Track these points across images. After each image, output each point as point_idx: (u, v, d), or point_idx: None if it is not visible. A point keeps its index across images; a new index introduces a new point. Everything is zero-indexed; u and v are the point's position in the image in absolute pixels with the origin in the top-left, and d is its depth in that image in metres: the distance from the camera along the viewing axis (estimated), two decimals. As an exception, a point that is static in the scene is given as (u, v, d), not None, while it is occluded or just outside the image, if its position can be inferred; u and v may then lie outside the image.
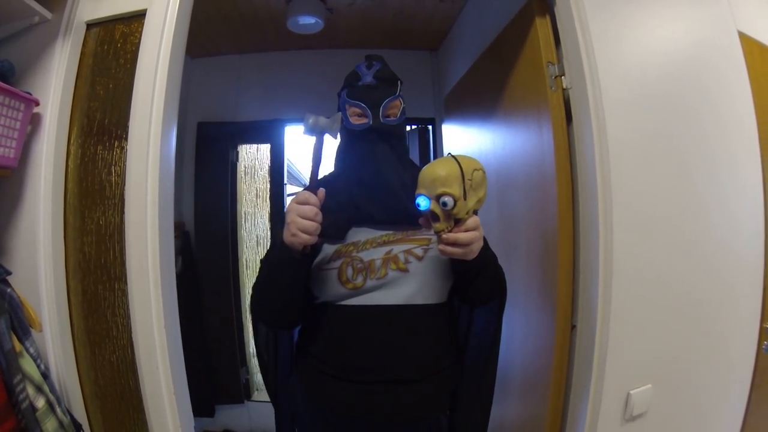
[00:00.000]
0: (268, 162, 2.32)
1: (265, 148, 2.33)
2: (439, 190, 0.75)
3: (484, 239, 0.91)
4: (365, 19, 2.04)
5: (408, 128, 2.41)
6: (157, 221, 0.87)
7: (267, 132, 2.29)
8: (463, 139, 1.86)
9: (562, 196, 1.05)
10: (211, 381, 2.15)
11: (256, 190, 2.35)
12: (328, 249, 0.93)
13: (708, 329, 1.26)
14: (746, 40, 1.43)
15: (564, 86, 1.10)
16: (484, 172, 0.82)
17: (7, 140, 0.92)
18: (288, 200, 2.31)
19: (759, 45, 1.49)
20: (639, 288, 1.08)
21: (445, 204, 0.75)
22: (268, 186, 2.34)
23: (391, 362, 0.91)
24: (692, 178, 1.19)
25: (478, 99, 1.62)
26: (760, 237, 1.38)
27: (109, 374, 1.02)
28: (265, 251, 1.03)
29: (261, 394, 2.33)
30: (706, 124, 1.25)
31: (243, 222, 2.35)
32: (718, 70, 1.32)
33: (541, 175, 1.13)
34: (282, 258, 0.85)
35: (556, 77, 1.11)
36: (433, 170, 0.78)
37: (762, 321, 1.44)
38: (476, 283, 0.91)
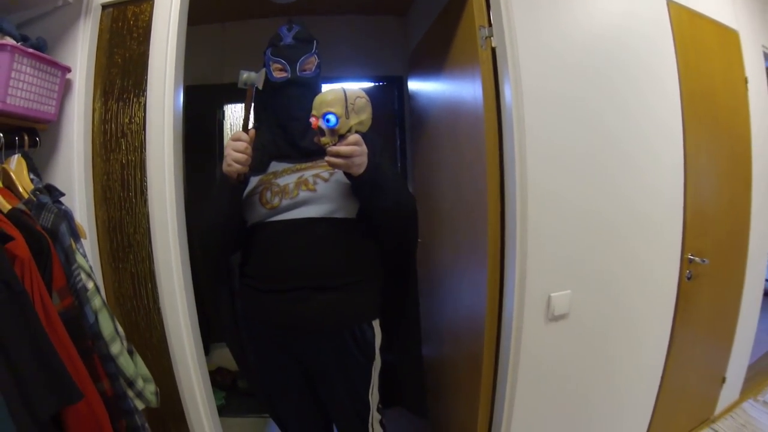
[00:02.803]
0: (253, 119, 2.77)
1: None
2: (324, 109, 1.12)
3: (390, 177, 1.28)
4: (340, -13, 2.46)
5: (375, 84, 2.92)
6: (172, 155, 1.32)
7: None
8: (423, 91, 2.32)
9: (490, 133, 1.49)
10: (204, 320, 2.59)
11: None
12: (254, 180, 1.33)
13: (623, 250, 1.70)
14: (674, 7, 1.84)
15: (493, 45, 1.51)
16: (367, 100, 1.19)
17: (49, 100, 1.34)
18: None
19: (686, 9, 1.90)
20: (552, 208, 1.51)
21: (328, 120, 1.11)
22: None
23: (308, 269, 1.26)
24: (607, 120, 1.62)
25: (432, 57, 2.07)
26: (680, 175, 1.82)
27: (129, 284, 1.46)
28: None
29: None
30: (627, 76, 1.67)
31: None
32: (643, 33, 1.74)
33: (476, 119, 1.56)
34: (222, 186, 1.25)
35: (486, 38, 1.52)
36: (322, 96, 1.15)
37: (683, 251, 1.88)
38: (375, 202, 1.25)
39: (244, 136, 1.21)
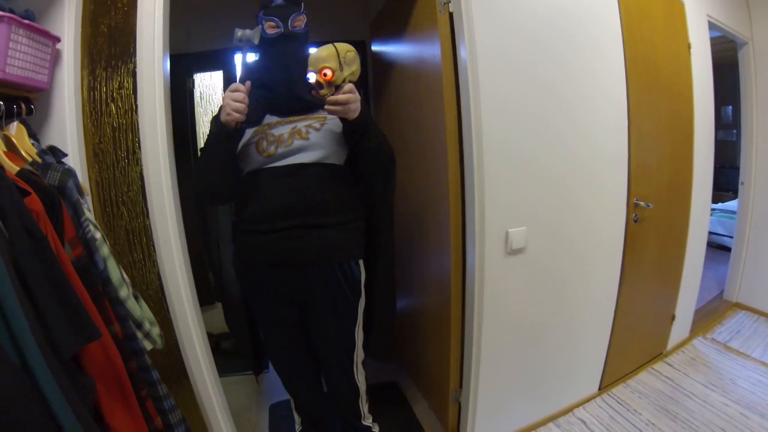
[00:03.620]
0: (221, 86, 3.02)
1: (217, 75, 3.06)
2: (321, 65, 1.36)
3: (375, 123, 1.53)
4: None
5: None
6: (164, 115, 1.53)
7: (218, 60, 2.98)
8: (386, 55, 2.60)
9: (448, 89, 1.79)
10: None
11: (212, 113, 3.09)
12: (249, 132, 1.57)
13: (571, 193, 2.03)
14: None
15: (450, 10, 1.78)
16: (355, 53, 1.44)
17: (42, 69, 1.52)
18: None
19: None
20: (505, 156, 1.81)
21: (325, 74, 1.34)
22: (222, 107, 3.09)
23: (302, 208, 1.50)
24: (554, 81, 1.93)
25: (395, 23, 2.34)
26: (624, 129, 2.15)
27: (124, 240, 1.68)
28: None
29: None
30: (572, 41, 1.97)
31: (201, 141, 3.10)
32: (590, 4, 2.03)
33: (436, 78, 1.85)
34: (220, 134, 1.46)
35: (444, 4, 1.78)
36: (317, 53, 1.39)
37: (629, 197, 2.22)
38: (363, 143, 1.49)
39: (242, 87, 1.42)
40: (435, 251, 2.11)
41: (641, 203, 2.24)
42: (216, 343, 2.89)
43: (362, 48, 3.09)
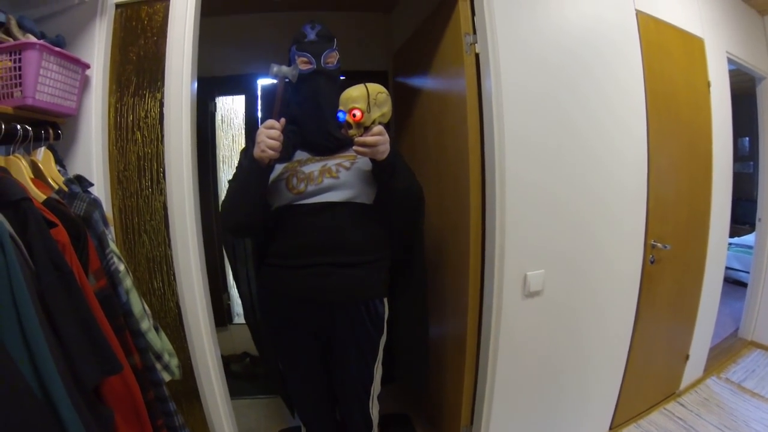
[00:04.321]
0: (243, 111, 3.09)
1: (239, 99, 3.12)
2: (351, 106, 1.39)
3: (404, 163, 1.57)
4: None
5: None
6: (189, 144, 1.57)
7: (241, 85, 3.05)
8: (409, 88, 2.63)
9: (472, 128, 1.81)
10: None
11: (233, 136, 3.16)
12: (278, 168, 1.59)
13: (590, 236, 2.05)
14: (642, 17, 2.20)
15: (477, 51, 1.81)
16: (387, 95, 1.47)
17: (71, 95, 1.56)
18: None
19: (653, 19, 2.26)
20: (526, 196, 1.83)
21: (354, 115, 1.38)
22: (243, 132, 3.13)
23: (330, 247, 1.53)
24: (575, 119, 1.95)
25: (419, 58, 2.37)
26: (643, 168, 2.17)
27: (144, 268, 1.71)
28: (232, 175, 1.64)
29: (241, 317, 3.09)
30: (595, 80, 2.00)
31: (221, 164, 3.16)
32: (612, 41, 2.07)
33: (462, 113, 1.87)
34: (252, 169, 1.48)
35: (471, 44, 1.82)
36: (348, 93, 1.42)
37: (647, 237, 2.23)
38: (391, 183, 1.52)
39: (277, 124, 1.45)
40: (453, 290, 2.13)
41: (658, 245, 2.26)
42: (226, 365, 2.91)
43: (383, 79, 3.11)
